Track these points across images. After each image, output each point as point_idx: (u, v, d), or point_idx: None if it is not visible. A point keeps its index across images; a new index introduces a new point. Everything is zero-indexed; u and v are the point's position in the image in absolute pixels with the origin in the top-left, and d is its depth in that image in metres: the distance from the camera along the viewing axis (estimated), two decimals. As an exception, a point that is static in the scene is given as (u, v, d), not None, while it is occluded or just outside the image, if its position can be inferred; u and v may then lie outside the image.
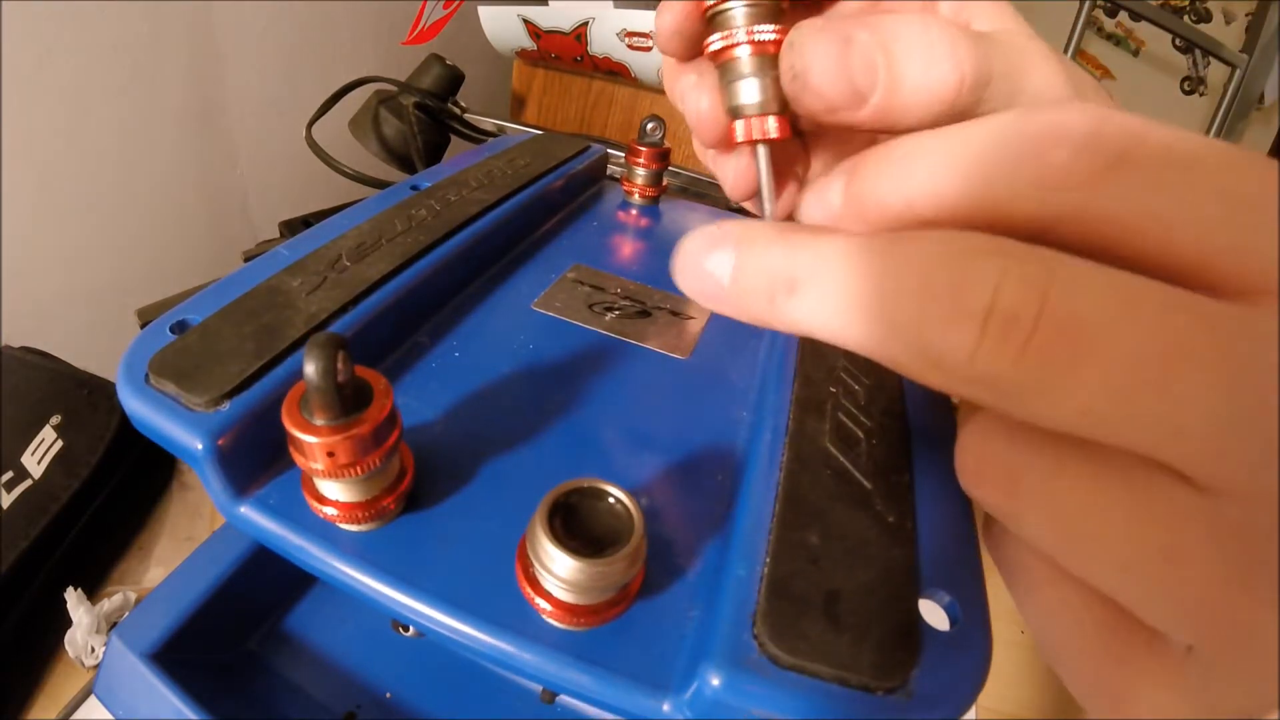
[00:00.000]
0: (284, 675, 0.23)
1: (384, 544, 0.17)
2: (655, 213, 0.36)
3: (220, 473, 0.17)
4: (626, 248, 0.32)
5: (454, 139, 0.60)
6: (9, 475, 0.36)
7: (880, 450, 0.19)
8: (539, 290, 0.27)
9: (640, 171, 0.35)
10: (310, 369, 0.14)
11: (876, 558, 0.16)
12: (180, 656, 0.21)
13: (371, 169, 0.54)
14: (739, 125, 0.16)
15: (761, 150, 0.17)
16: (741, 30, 0.16)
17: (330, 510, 0.16)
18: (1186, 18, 1.26)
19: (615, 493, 0.15)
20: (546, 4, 0.61)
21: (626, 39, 0.57)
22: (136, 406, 0.17)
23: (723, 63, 0.16)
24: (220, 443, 0.17)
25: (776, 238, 0.13)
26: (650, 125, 0.35)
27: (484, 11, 0.64)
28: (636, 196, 0.36)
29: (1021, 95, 0.14)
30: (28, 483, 0.36)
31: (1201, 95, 1.32)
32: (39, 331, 0.52)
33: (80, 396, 0.40)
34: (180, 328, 0.19)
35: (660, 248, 0.33)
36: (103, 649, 0.32)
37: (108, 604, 0.35)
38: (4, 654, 0.33)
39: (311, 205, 0.56)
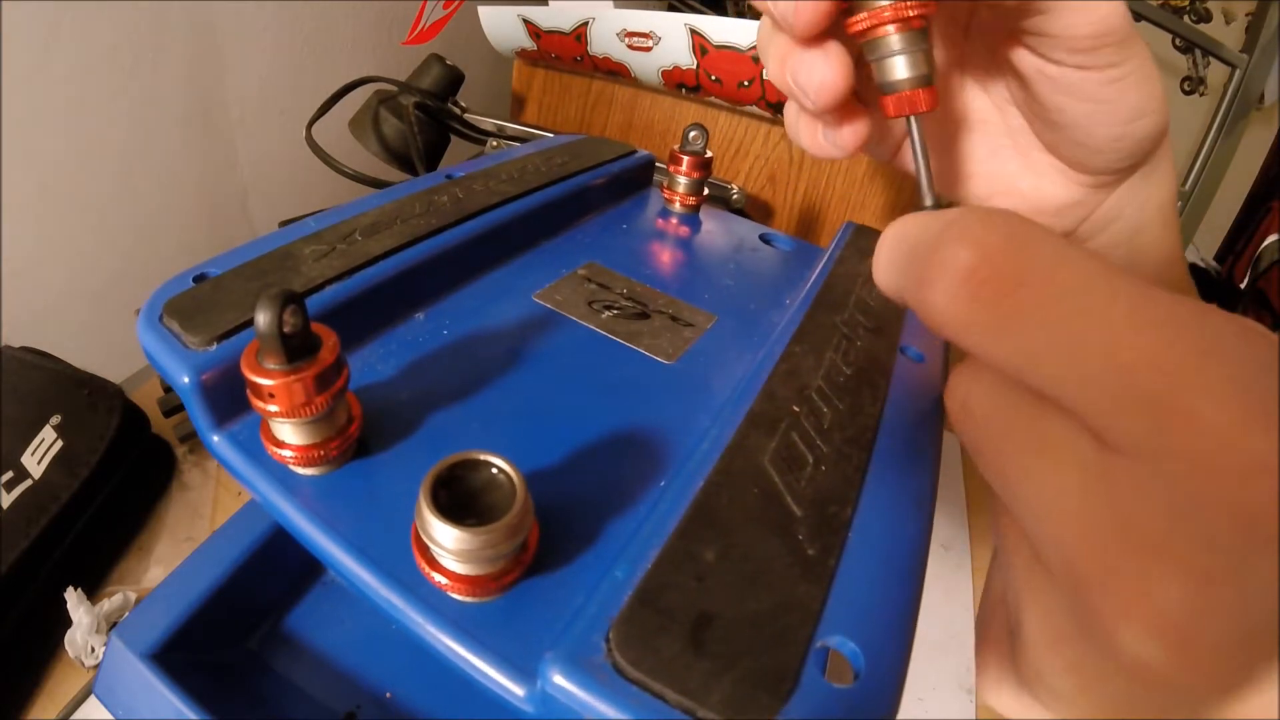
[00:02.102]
0: (284, 675, 0.23)
1: (326, 491, 0.18)
2: (694, 221, 0.36)
3: (201, 404, 0.19)
4: (647, 251, 0.32)
5: (454, 139, 0.60)
6: (9, 475, 0.36)
7: (826, 478, 0.18)
8: (546, 283, 0.27)
9: (680, 179, 0.35)
10: (260, 319, 0.15)
11: (776, 589, 0.15)
12: (180, 656, 0.21)
13: (371, 169, 0.54)
14: (891, 101, 0.18)
15: (915, 123, 0.18)
16: (888, 9, 0.17)
17: (281, 452, 0.18)
18: (1186, 18, 1.26)
19: (498, 463, 0.15)
20: (546, 4, 0.61)
21: (626, 39, 0.57)
22: (147, 340, 0.20)
23: (868, 40, 0.17)
24: (203, 378, 0.19)
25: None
26: (693, 134, 0.34)
27: (484, 11, 0.64)
28: (677, 204, 0.35)
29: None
30: (28, 483, 0.36)
31: (1201, 95, 1.32)
32: (39, 331, 0.52)
33: (80, 396, 0.40)
34: (200, 278, 0.22)
35: (683, 255, 0.33)
36: (103, 649, 0.32)
37: (108, 604, 0.35)
38: (4, 654, 0.33)
39: (311, 205, 0.56)
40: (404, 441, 0.20)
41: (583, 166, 0.33)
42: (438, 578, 0.15)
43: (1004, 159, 0.24)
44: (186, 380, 0.19)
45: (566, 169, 0.32)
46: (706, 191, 0.36)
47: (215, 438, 0.19)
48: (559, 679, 0.13)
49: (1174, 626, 0.10)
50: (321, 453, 0.18)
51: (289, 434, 0.17)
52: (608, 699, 0.13)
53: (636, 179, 0.37)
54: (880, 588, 0.16)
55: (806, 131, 0.22)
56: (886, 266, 0.15)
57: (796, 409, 0.20)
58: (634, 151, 0.37)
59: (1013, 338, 0.11)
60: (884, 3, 0.17)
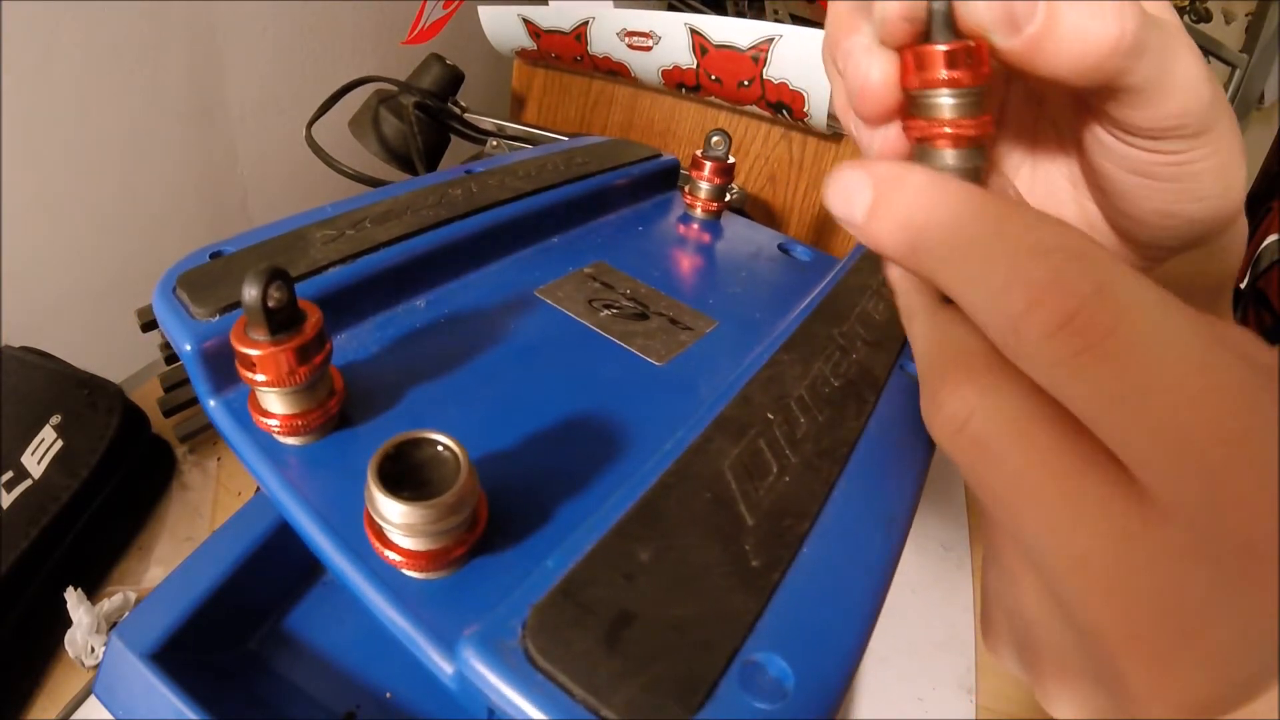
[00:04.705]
0: (284, 675, 0.23)
1: (307, 460, 0.19)
2: (713, 227, 0.35)
3: (201, 371, 0.20)
4: (658, 254, 0.32)
5: (454, 139, 0.60)
6: (9, 475, 0.36)
7: (789, 489, 0.17)
8: (551, 278, 0.28)
9: (702, 185, 0.34)
10: (246, 293, 0.16)
11: (707, 597, 0.14)
12: (180, 656, 0.21)
13: (371, 169, 0.54)
14: None
15: None
16: (948, 125, 0.16)
17: (267, 421, 0.18)
18: (1186, 18, 1.26)
19: (445, 442, 0.15)
20: (546, 4, 0.61)
21: (626, 39, 0.57)
22: (158, 308, 0.21)
23: (922, 146, 0.17)
24: (204, 347, 0.20)
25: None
26: (715, 139, 0.34)
27: (484, 11, 0.64)
28: (698, 210, 0.35)
29: (1169, 77, 0.15)
30: (28, 483, 0.36)
31: (1201, 95, 1.32)
32: (39, 331, 0.52)
33: (80, 396, 0.40)
34: (216, 255, 0.23)
35: (694, 260, 0.32)
36: (103, 649, 0.32)
37: (108, 604, 0.35)
38: (4, 654, 0.33)
39: (311, 205, 0.56)
40: (384, 417, 0.20)
41: (602, 167, 0.33)
42: (390, 555, 0.15)
43: (1060, 201, 0.22)
44: (189, 347, 0.20)
45: (585, 169, 0.33)
46: (729, 197, 0.36)
47: (211, 403, 0.20)
48: (470, 657, 0.13)
49: (1198, 708, 0.10)
50: (303, 423, 0.18)
51: (273, 403, 0.18)
52: (514, 684, 0.13)
53: (659, 183, 0.37)
54: (826, 607, 0.15)
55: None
56: (887, 241, 0.14)
57: (771, 416, 0.19)
58: (658, 155, 0.37)
59: (1090, 382, 0.11)
60: (944, 116, 0.16)
